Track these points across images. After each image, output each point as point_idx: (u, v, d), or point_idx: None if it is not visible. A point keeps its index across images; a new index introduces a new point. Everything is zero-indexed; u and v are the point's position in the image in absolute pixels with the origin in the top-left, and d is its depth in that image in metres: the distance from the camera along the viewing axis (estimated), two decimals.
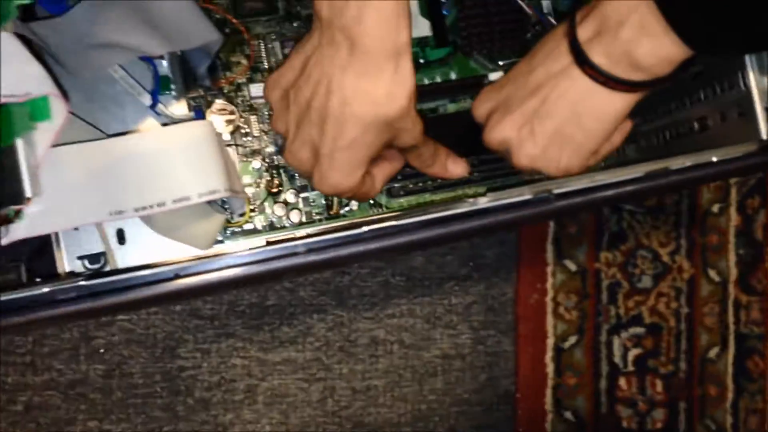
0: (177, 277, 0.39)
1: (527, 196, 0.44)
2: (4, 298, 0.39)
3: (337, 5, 0.41)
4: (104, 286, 0.38)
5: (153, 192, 0.46)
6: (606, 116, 0.46)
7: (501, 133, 0.49)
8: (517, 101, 0.48)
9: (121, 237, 0.52)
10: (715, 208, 0.92)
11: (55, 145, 0.44)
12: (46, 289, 0.38)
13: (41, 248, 0.52)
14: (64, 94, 0.40)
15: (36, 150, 0.40)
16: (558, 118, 0.47)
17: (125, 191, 0.45)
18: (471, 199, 0.44)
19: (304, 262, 0.40)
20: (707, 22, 0.40)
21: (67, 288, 0.38)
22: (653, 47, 0.42)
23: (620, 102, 0.45)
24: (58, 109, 0.40)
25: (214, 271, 0.39)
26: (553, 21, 0.58)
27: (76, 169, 0.44)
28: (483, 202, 0.43)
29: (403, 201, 0.59)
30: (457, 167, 0.54)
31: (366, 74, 0.42)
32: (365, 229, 0.41)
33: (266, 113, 0.58)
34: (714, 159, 0.46)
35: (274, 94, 0.49)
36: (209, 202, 0.53)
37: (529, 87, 0.48)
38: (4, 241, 0.42)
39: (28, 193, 0.41)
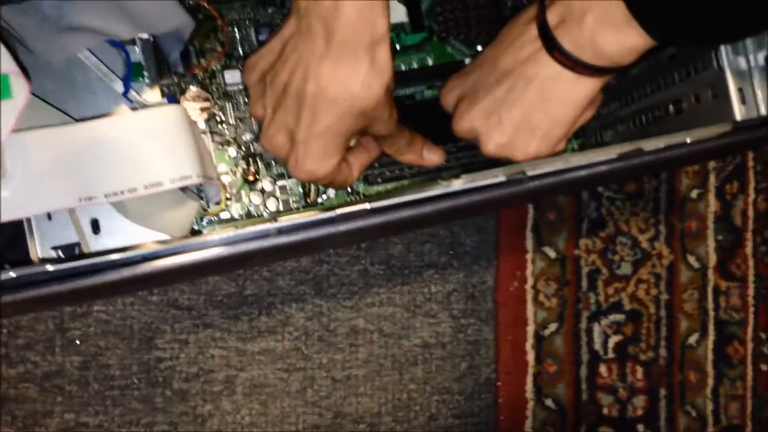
0: (145, 260, 0.38)
1: (501, 178, 0.44)
2: None
3: None
4: (71, 270, 0.38)
5: (124, 177, 0.45)
6: (573, 101, 0.46)
7: (469, 122, 0.49)
8: (484, 89, 0.48)
9: (95, 227, 0.52)
10: (694, 193, 0.92)
11: (23, 130, 0.43)
12: (12, 274, 0.37)
13: (14, 239, 0.51)
14: (26, 74, 0.40)
15: None
16: (525, 105, 0.47)
17: (95, 177, 0.45)
18: (445, 182, 0.43)
19: (276, 245, 0.39)
20: (670, 14, 0.40)
21: (35, 273, 0.38)
22: (617, 37, 0.42)
23: (587, 86, 0.46)
24: (20, 87, 0.39)
25: (184, 253, 0.39)
26: None
27: (44, 154, 0.44)
28: (457, 184, 0.43)
29: (381, 188, 0.59)
30: (432, 155, 0.54)
31: (342, 64, 0.42)
32: (338, 211, 0.41)
33: (242, 101, 0.57)
34: (687, 140, 0.46)
35: (251, 77, 0.49)
36: (183, 189, 0.52)
37: (496, 74, 0.48)
38: None
39: None
